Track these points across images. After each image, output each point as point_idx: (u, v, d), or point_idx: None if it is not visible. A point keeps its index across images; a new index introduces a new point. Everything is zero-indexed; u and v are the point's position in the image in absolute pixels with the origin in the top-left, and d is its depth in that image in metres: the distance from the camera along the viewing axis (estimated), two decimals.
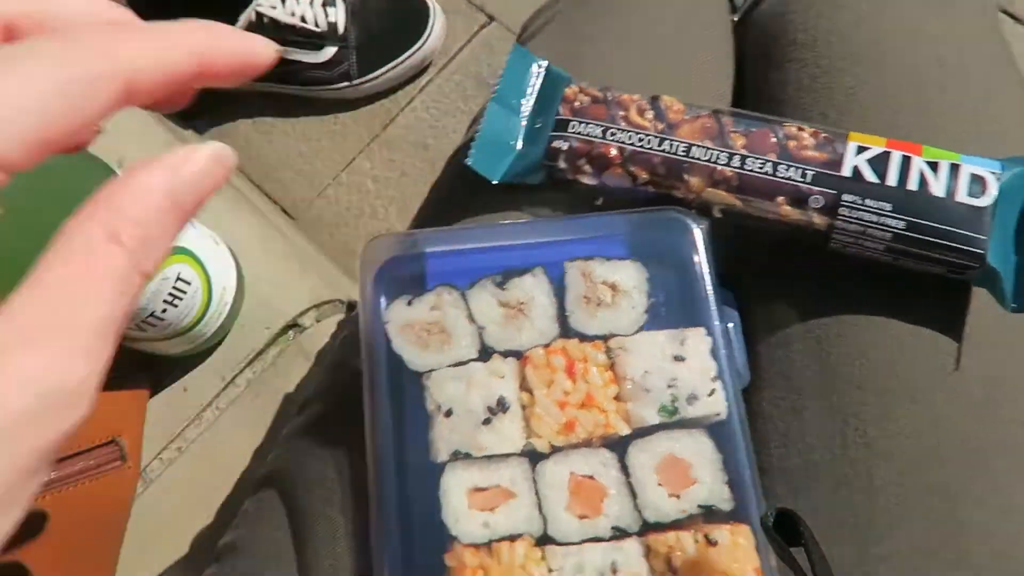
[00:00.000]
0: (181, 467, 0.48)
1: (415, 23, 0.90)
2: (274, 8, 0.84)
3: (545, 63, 0.33)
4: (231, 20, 0.84)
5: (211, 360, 0.50)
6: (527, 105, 0.33)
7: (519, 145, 0.32)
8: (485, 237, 0.29)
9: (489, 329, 0.28)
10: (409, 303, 0.28)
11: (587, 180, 0.31)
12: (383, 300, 0.29)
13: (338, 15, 0.87)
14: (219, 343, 0.50)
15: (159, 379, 0.49)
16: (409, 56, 0.90)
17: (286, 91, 0.92)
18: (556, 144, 0.31)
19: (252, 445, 0.48)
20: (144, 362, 0.49)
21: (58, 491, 0.41)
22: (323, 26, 0.87)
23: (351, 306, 0.55)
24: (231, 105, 0.92)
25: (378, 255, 0.28)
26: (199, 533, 0.47)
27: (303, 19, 0.86)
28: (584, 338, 0.27)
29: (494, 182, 0.32)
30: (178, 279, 0.42)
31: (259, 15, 0.85)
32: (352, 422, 0.31)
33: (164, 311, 0.42)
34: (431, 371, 0.27)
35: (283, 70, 0.89)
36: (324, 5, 0.87)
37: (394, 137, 0.93)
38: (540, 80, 0.33)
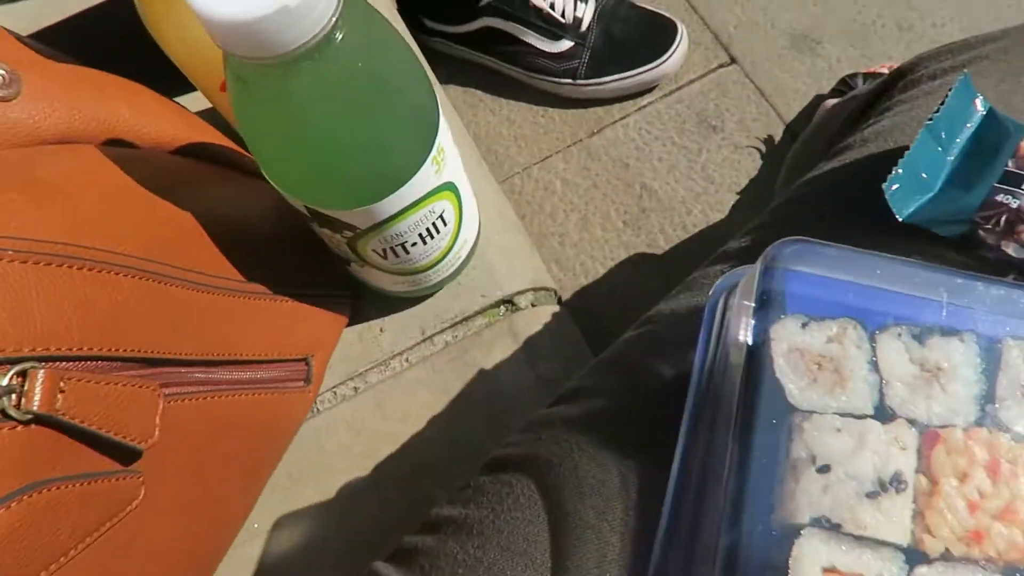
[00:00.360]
0: (352, 407, 0.45)
1: (658, 42, 0.86)
2: None
3: (987, 104, 0.28)
4: None
5: (417, 309, 0.46)
6: (958, 145, 0.28)
7: (938, 186, 0.27)
8: (907, 278, 0.24)
9: (894, 386, 0.23)
10: (804, 325, 0.23)
11: (1012, 251, 0.26)
12: (756, 311, 0.24)
13: (586, 12, 0.85)
14: (431, 294, 0.46)
15: (360, 311, 0.46)
16: (641, 72, 0.87)
17: (507, 70, 0.90)
18: (1001, 198, 0.26)
19: (432, 409, 0.44)
20: (353, 288, 0.46)
21: (240, 395, 0.37)
22: (568, 18, 0.84)
23: (560, 300, 0.51)
24: (449, 67, 0.91)
25: (780, 260, 0.24)
26: (355, 483, 0.43)
27: (552, 6, 0.84)
28: (1015, 436, 0.22)
29: (900, 219, 0.27)
30: (440, 216, 0.38)
31: None
32: (648, 433, 0.27)
33: (414, 244, 0.39)
34: (812, 412, 0.22)
35: (513, 50, 0.87)
36: None
37: (596, 147, 0.89)
38: (978, 121, 0.28)
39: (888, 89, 0.35)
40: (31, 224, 0.26)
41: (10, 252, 0.25)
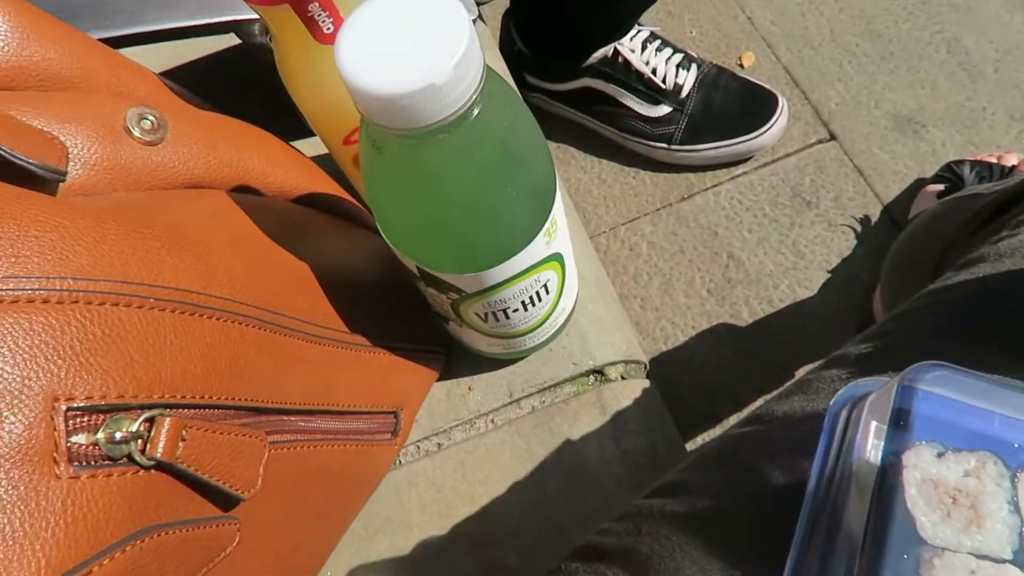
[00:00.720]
0: (434, 464, 0.45)
1: (758, 114, 0.86)
2: (633, 52, 0.84)
3: None
4: (589, 52, 0.84)
5: (506, 371, 0.46)
6: None
7: None
8: None
9: None
10: (939, 455, 0.22)
11: None
12: (888, 434, 0.23)
13: (687, 79, 0.85)
14: (523, 358, 0.46)
15: (450, 367, 0.46)
16: (738, 143, 0.86)
17: (602, 130, 0.91)
18: None
19: (513, 475, 0.44)
20: (446, 345, 0.46)
21: (333, 445, 0.38)
22: (669, 84, 0.85)
23: (649, 374, 0.50)
24: (544, 123, 0.93)
25: (918, 383, 0.23)
26: (429, 541, 0.43)
27: (654, 71, 0.84)
28: None
29: None
30: (544, 285, 0.39)
31: (616, 52, 0.84)
32: (756, 540, 0.26)
33: (515, 311, 0.39)
34: (944, 549, 0.21)
35: (611, 111, 0.88)
36: (678, 66, 0.85)
37: (686, 212, 0.89)
38: None
39: (1020, 199, 0.34)
40: (170, 272, 0.27)
41: (151, 300, 0.26)
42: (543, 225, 0.34)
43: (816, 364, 0.32)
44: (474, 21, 0.60)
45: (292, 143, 0.49)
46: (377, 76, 0.26)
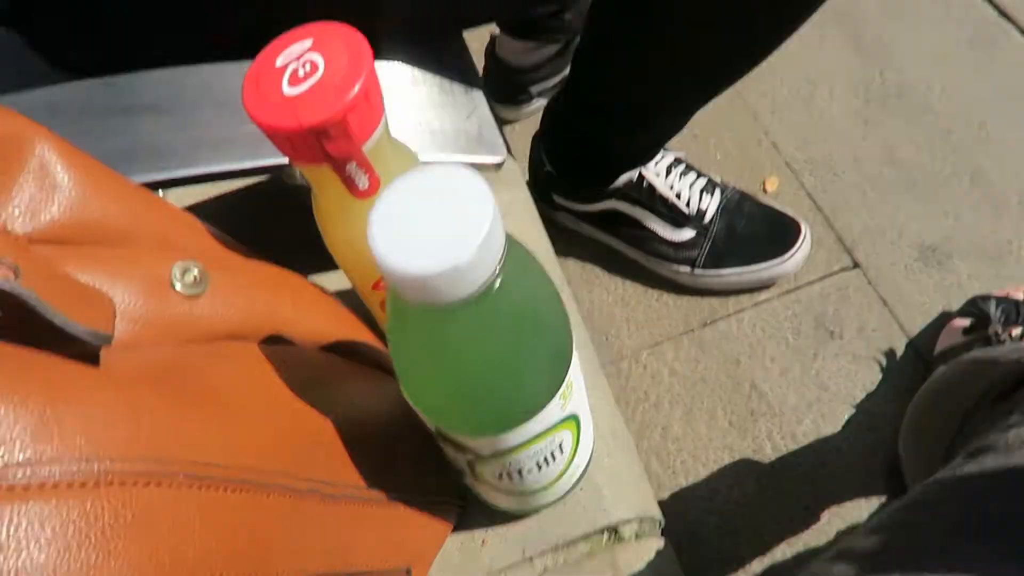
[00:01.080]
0: None
1: (781, 241, 0.87)
2: (658, 176, 0.86)
3: None
4: (615, 176, 0.87)
5: (520, 526, 0.46)
6: None
7: None
8: None
9: None
10: None
11: None
12: None
13: (711, 204, 0.88)
14: (534, 512, 0.46)
15: (464, 519, 0.47)
16: (761, 270, 0.88)
17: (627, 251, 0.93)
18: None
19: None
20: (461, 495, 0.46)
21: None
22: (693, 209, 0.87)
23: (664, 530, 0.50)
24: (570, 242, 0.95)
25: None
26: None
27: (678, 196, 0.87)
28: None
29: None
30: (559, 446, 0.39)
31: (641, 177, 0.87)
32: None
33: (529, 471, 0.39)
34: None
35: (636, 233, 0.91)
36: (702, 191, 0.88)
37: (708, 339, 0.89)
38: None
39: None
40: (201, 446, 0.28)
41: (181, 476, 0.27)
42: (558, 389, 0.35)
43: (824, 553, 0.32)
44: (501, 164, 0.62)
45: (322, 273, 0.51)
46: (405, 257, 0.27)
